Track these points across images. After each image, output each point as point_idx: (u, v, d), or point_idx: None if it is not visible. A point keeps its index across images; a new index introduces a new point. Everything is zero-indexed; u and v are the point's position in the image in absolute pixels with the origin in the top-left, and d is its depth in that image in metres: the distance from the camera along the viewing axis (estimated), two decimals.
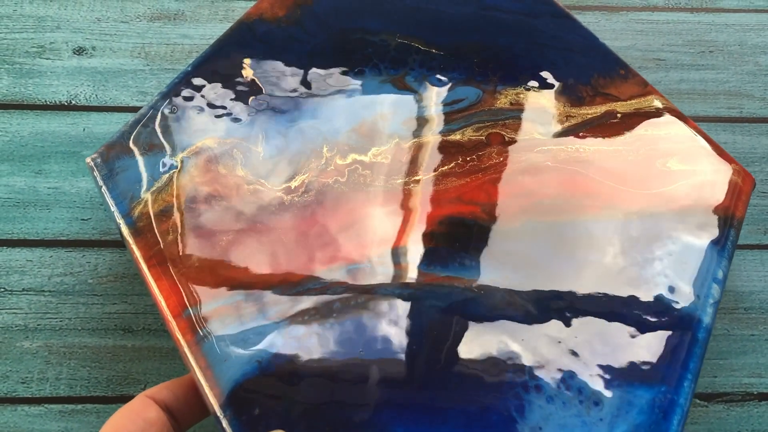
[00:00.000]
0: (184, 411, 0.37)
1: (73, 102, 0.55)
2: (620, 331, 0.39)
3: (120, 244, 0.51)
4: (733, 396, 0.48)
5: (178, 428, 0.36)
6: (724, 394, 0.48)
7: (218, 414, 0.35)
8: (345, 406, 0.36)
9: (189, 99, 0.44)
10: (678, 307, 0.39)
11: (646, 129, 0.45)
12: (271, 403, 0.36)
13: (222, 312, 0.38)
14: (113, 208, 0.41)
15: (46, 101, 0.55)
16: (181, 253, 0.40)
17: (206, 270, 0.39)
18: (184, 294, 0.38)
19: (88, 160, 0.42)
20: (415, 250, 0.40)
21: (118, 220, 0.41)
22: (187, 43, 0.58)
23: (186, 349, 0.37)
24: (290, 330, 0.38)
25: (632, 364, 0.38)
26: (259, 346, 0.37)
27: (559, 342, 0.38)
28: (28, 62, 0.56)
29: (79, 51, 0.57)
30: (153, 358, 0.48)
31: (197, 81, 0.45)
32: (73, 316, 0.49)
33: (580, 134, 0.45)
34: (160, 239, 0.40)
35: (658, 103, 0.46)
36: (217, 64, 0.46)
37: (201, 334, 0.37)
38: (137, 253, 0.40)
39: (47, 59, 0.56)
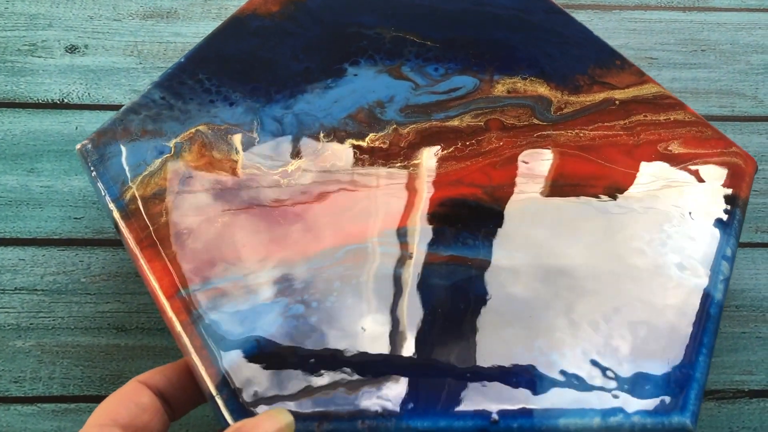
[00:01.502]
0: (178, 396, 0.36)
1: (66, 100, 0.55)
2: (632, 308, 0.38)
3: (113, 242, 0.50)
4: (725, 393, 0.47)
5: (172, 414, 0.35)
6: (715, 392, 0.47)
7: (214, 394, 0.34)
8: (346, 384, 0.35)
9: (182, 87, 0.44)
10: (689, 284, 0.39)
11: (645, 115, 0.45)
12: (270, 383, 0.35)
13: (217, 292, 0.37)
14: (103, 192, 0.40)
15: (38, 99, 0.55)
16: (173, 235, 0.39)
17: (200, 251, 0.39)
18: (177, 275, 0.38)
19: (79, 146, 0.42)
20: (417, 231, 0.40)
21: (109, 205, 0.40)
22: (180, 41, 0.58)
23: (180, 330, 0.36)
24: (289, 309, 0.37)
25: (646, 341, 0.37)
26: (257, 326, 0.36)
27: (569, 320, 0.38)
28: (20, 60, 0.56)
29: (72, 49, 0.57)
30: (146, 357, 0.47)
31: (191, 71, 0.45)
32: (66, 315, 0.48)
33: (580, 120, 0.44)
34: (152, 222, 0.39)
35: (655, 91, 0.46)
36: (211, 55, 0.46)
37: (195, 314, 0.36)
38: (128, 236, 0.39)
39: (39, 57, 0.56)
